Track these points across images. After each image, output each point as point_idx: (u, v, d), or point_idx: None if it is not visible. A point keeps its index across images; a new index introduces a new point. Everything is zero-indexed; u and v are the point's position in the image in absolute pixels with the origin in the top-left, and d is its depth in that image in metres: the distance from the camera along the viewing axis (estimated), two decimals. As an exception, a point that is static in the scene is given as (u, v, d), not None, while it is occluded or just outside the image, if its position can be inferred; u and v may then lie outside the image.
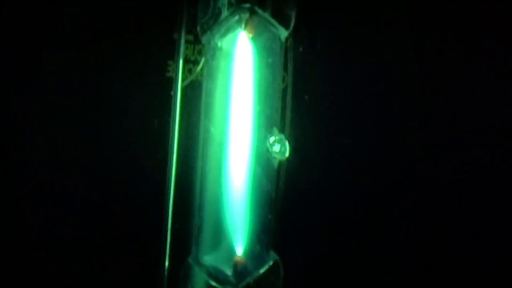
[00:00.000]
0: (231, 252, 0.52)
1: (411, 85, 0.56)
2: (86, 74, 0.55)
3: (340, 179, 0.55)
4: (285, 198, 0.53)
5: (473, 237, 0.55)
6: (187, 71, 0.54)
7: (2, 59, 0.54)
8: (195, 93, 0.54)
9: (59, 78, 0.55)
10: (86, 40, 0.55)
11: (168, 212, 0.53)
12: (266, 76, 0.52)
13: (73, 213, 0.55)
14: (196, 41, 0.54)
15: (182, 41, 0.54)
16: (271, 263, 0.53)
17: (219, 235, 0.52)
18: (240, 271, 0.52)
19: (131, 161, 0.54)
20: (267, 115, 0.52)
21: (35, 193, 0.55)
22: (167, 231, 0.53)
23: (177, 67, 0.53)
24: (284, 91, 0.54)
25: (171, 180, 0.53)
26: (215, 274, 0.52)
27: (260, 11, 0.52)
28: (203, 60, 0.54)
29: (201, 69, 0.54)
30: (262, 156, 0.52)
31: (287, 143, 0.53)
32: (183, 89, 0.54)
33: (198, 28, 0.53)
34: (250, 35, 0.52)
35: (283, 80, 0.54)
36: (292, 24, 0.53)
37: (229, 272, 0.52)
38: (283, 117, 0.53)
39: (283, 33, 0.53)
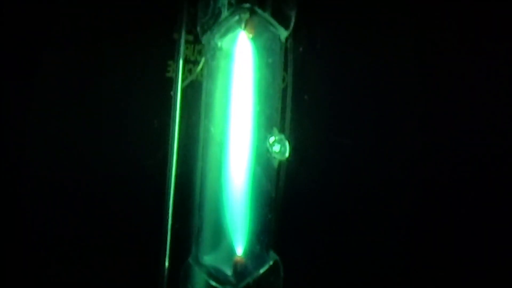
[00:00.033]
0: (231, 252, 0.52)
1: (411, 85, 0.56)
2: (86, 74, 0.55)
3: (340, 179, 0.55)
4: (285, 198, 0.53)
5: (473, 237, 0.55)
6: (187, 71, 0.54)
7: (2, 59, 0.54)
8: (195, 93, 0.54)
9: (59, 78, 0.55)
10: (86, 40, 0.55)
11: (168, 212, 0.53)
12: (266, 76, 0.52)
13: (73, 213, 0.55)
14: (196, 41, 0.54)
15: (182, 41, 0.54)
16: (271, 263, 0.53)
17: (219, 235, 0.52)
18: (240, 271, 0.52)
19: (131, 161, 0.54)
20: (267, 115, 0.52)
21: (35, 193, 0.55)
22: (167, 231, 0.53)
23: (177, 67, 0.53)
24: (284, 91, 0.54)
25: (171, 180, 0.53)
26: (215, 274, 0.52)
27: (260, 11, 0.52)
28: (203, 60, 0.54)
29: (201, 69, 0.54)
30: (262, 156, 0.52)
31: (287, 143, 0.53)
32: (183, 89, 0.54)
33: (198, 28, 0.53)
34: (250, 35, 0.52)
35: (283, 80, 0.54)
36: (292, 24, 0.53)
37: (229, 272, 0.52)
38: (283, 117, 0.53)
39: (283, 33, 0.53)
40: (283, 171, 0.53)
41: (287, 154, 0.53)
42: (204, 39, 0.53)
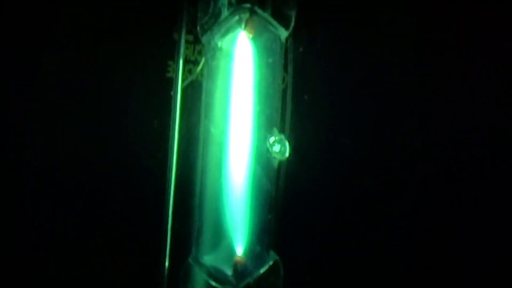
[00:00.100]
0: (231, 252, 0.52)
1: (410, 85, 0.56)
2: (86, 74, 0.55)
3: (340, 179, 0.55)
4: (285, 198, 0.53)
5: (473, 238, 0.55)
6: (187, 71, 0.54)
7: (2, 59, 0.54)
8: (195, 93, 0.54)
9: (59, 78, 0.55)
10: (86, 40, 0.55)
11: (168, 212, 0.53)
12: (266, 76, 0.52)
13: (74, 213, 0.55)
14: (196, 41, 0.54)
15: (182, 41, 0.54)
16: (271, 263, 0.53)
17: (219, 235, 0.52)
18: (240, 271, 0.52)
19: (131, 161, 0.54)
20: (267, 115, 0.52)
21: (35, 193, 0.55)
22: (167, 231, 0.53)
23: (177, 67, 0.53)
24: (284, 91, 0.54)
25: (171, 180, 0.53)
26: (215, 274, 0.52)
27: (260, 11, 0.52)
28: (203, 60, 0.54)
29: (201, 69, 0.54)
30: (262, 156, 0.52)
31: (287, 143, 0.53)
32: (183, 89, 0.54)
33: (198, 28, 0.53)
34: (250, 35, 0.52)
35: (283, 80, 0.54)
36: (292, 24, 0.53)
37: (229, 272, 0.52)
38: (283, 117, 0.53)
39: (283, 33, 0.53)
40: (283, 171, 0.53)
41: (287, 154, 0.53)
42: (204, 39, 0.53)
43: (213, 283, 0.52)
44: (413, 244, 0.55)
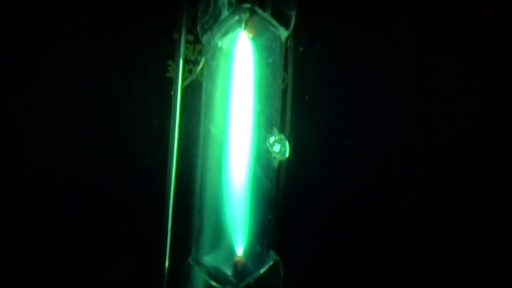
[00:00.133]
0: (231, 252, 0.52)
1: (410, 85, 0.56)
2: (86, 74, 0.55)
3: (340, 179, 0.55)
4: (285, 198, 0.53)
5: (473, 238, 0.55)
6: (187, 71, 0.54)
7: (2, 59, 0.54)
8: (195, 93, 0.54)
9: (59, 78, 0.55)
10: (86, 40, 0.55)
11: (168, 212, 0.53)
12: (266, 76, 0.52)
13: (73, 213, 0.55)
14: (196, 41, 0.54)
15: (182, 41, 0.53)
16: (271, 263, 0.53)
17: (219, 235, 0.52)
18: (240, 271, 0.52)
19: (131, 161, 0.54)
20: (267, 115, 0.52)
21: (35, 193, 0.55)
22: (167, 231, 0.53)
23: (177, 67, 0.53)
24: (284, 91, 0.54)
25: (171, 180, 0.53)
26: (215, 274, 0.52)
27: (260, 11, 0.52)
28: (203, 60, 0.54)
29: (201, 69, 0.54)
30: (262, 156, 0.52)
31: (287, 143, 0.53)
32: (183, 89, 0.54)
33: (198, 28, 0.53)
34: (250, 35, 0.52)
35: (283, 80, 0.54)
36: (292, 24, 0.53)
37: (229, 272, 0.52)
38: (283, 117, 0.53)
39: (283, 33, 0.53)
40: (283, 171, 0.53)
41: (287, 154, 0.53)
42: (204, 39, 0.53)
43: (213, 283, 0.52)
44: (413, 244, 0.55)
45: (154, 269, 0.53)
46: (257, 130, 0.52)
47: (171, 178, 0.53)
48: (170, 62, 0.54)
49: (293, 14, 0.53)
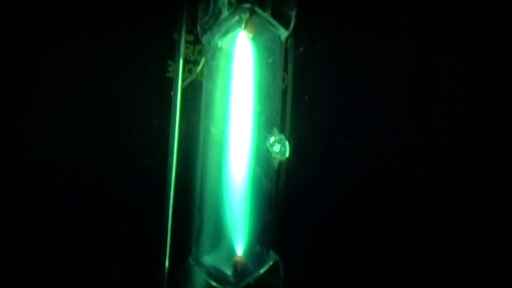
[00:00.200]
0: (231, 252, 0.52)
1: (411, 85, 0.56)
2: (86, 74, 0.55)
3: (340, 179, 0.55)
4: (285, 198, 0.53)
5: (473, 238, 0.55)
6: (187, 71, 0.54)
7: (2, 59, 0.54)
8: (195, 93, 0.54)
9: (59, 78, 0.55)
10: (86, 40, 0.55)
11: (168, 212, 0.53)
12: (266, 76, 0.52)
13: (73, 213, 0.55)
14: (196, 41, 0.54)
15: (182, 41, 0.54)
16: (271, 263, 0.53)
17: (219, 235, 0.52)
18: (240, 271, 0.52)
19: (131, 161, 0.54)
20: (267, 115, 0.52)
21: (35, 193, 0.55)
22: (167, 231, 0.53)
23: (177, 67, 0.53)
24: (284, 91, 0.54)
25: (171, 180, 0.53)
26: (215, 274, 0.52)
27: (260, 11, 0.52)
28: (203, 60, 0.54)
29: (201, 69, 0.54)
30: (262, 156, 0.52)
31: (287, 143, 0.53)
32: (183, 89, 0.54)
33: (198, 28, 0.53)
34: (250, 35, 0.52)
35: (283, 80, 0.54)
36: (292, 24, 0.53)
37: (229, 272, 0.52)
38: (283, 117, 0.53)
39: (283, 33, 0.53)
40: (283, 171, 0.53)
41: (287, 154, 0.53)
42: (204, 39, 0.53)
43: (213, 283, 0.52)
44: (413, 244, 0.55)
45: (154, 269, 0.53)
46: (257, 130, 0.52)
47: (171, 178, 0.53)
48: (170, 62, 0.54)
49: (293, 14, 0.53)
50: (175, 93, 0.53)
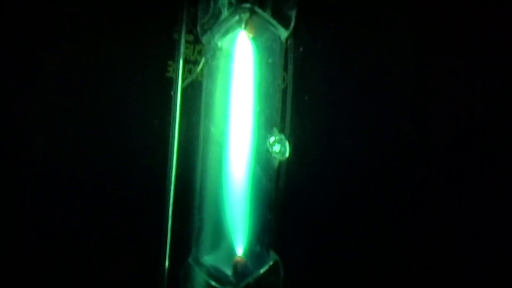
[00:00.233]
0: (231, 252, 0.52)
1: (411, 85, 0.56)
2: (86, 74, 0.55)
3: (340, 179, 0.55)
4: (285, 198, 0.53)
5: (474, 239, 0.55)
6: (187, 71, 0.54)
7: (2, 59, 0.54)
8: (195, 93, 0.54)
9: (59, 78, 0.55)
10: (86, 40, 0.55)
11: (168, 212, 0.53)
12: (266, 76, 0.52)
13: (73, 213, 0.55)
14: (196, 41, 0.54)
15: (182, 41, 0.54)
16: (271, 263, 0.53)
17: (219, 235, 0.52)
18: (240, 271, 0.52)
19: (131, 161, 0.54)
20: (267, 115, 0.52)
21: (35, 193, 0.55)
22: (167, 231, 0.53)
23: (177, 67, 0.53)
24: (284, 91, 0.54)
25: (171, 180, 0.53)
26: (215, 274, 0.52)
27: (260, 11, 0.52)
28: (203, 60, 0.54)
29: (201, 69, 0.54)
30: (262, 156, 0.52)
31: (287, 143, 0.53)
32: (183, 89, 0.54)
33: (198, 28, 0.53)
34: (250, 35, 0.52)
35: (283, 80, 0.54)
36: (292, 24, 0.53)
37: (229, 272, 0.52)
38: (283, 117, 0.53)
39: (283, 33, 0.53)
40: (283, 171, 0.53)
41: (287, 154, 0.53)
42: (204, 39, 0.53)
43: (213, 283, 0.52)
44: (413, 244, 0.55)
45: (154, 269, 0.53)
46: (257, 130, 0.52)
47: (171, 178, 0.53)
48: (170, 62, 0.54)
49: (293, 14, 0.53)
50: (175, 93, 0.53)
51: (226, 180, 0.52)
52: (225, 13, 0.52)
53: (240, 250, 0.52)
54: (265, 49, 0.52)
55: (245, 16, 0.52)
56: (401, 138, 0.55)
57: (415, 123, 0.55)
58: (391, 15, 0.55)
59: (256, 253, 0.52)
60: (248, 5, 0.51)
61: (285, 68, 0.54)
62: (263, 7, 0.52)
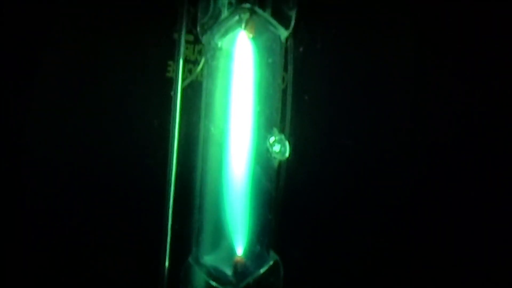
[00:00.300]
0: (231, 252, 0.52)
1: (411, 85, 0.56)
2: (86, 74, 0.55)
3: (340, 179, 0.55)
4: (285, 198, 0.53)
5: (473, 237, 0.55)
6: (187, 71, 0.54)
7: (2, 59, 0.54)
8: (195, 93, 0.54)
9: (59, 78, 0.55)
10: (86, 40, 0.55)
11: (168, 212, 0.53)
12: (266, 76, 0.52)
13: (73, 213, 0.55)
14: (196, 41, 0.54)
15: (182, 41, 0.54)
16: (271, 263, 0.53)
17: (219, 235, 0.52)
18: (240, 271, 0.52)
19: (131, 161, 0.54)
20: (267, 115, 0.52)
21: (35, 193, 0.55)
22: (167, 231, 0.53)
23: (177, 67, 0.53)
24: (284, 91, 0.54)
25: (171, 180, 0.53)
26: (215, 274, 0.52)
27: (260, 11, 0.52)
28: (203, 60, 0.54)
29: (201, 69, 0.54)
30: (262, 156, 0.52)
31: (287, 143, 0.53)
32: (183, 89, 0.54)
33: (198, 28, 0.53)
34: (250, 35, 0.52)
35: (283, 80, 0.54)
36: (292, 24, 0.53)
37: (229, 272, 0.52)
38: (283, 117, 0.53)
39: (283, 33, 0.53)
40: (283, 171, 0.53)
41: (287, 154, 0.53)
42: (204, 39, 0.53)
43: (213, 283, 0.52)
44: (413, 244, 0.55)
45: (154, 269, 0.53)
46: (257, 130, 0.52)
47: (171, 178, 0.53)
48: (170, 62, 0.54)
49: (293, 14, 0.53)
50: (175, 93, 0.53)
51: (226, 180, 0.52)
52: (225, 13, 0.52)
53: (240, 250, 0.52)
54: (265, 49, 0.52)
55: (245, 16, 0.52)
56: (401, 138, 0.55)
57: (415, 123, 0.55)
58: (391, 15, 0.55)
59: (256, 253, 0.52)
60: (248, 5, 0.51)
61: (285, 68, 0.54)
62: (263, 7, 0.52)
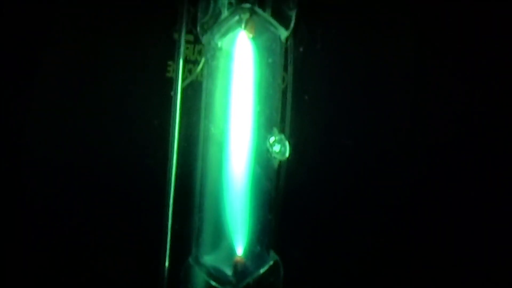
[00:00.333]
0: (231, 252, 0.52)
1: (411, 85, 0.56)
2: (86, 74, 0.55)
3: (340, 179, 0.55)
4: (285, 198, 0.53)
5: (473, 237, 0.55)
6: (187, 71, 0.54)
7: (2, 59, 0.54)
8: (195, 93, 0.54)
9: (59, 78, 0.55)
10: (86, 40, 0.55)
11: (168, 212, 0.53)
12: (266, 76, 0.52)
13: (73, 213, 0.55)
14: (196, 41, 0.54)
15: (182, 41, 0.54)
16: (271, 263, 0.53)
17: (219, 235, 0.52)
18: (240, 271, 0.52)
19: (131, 161, 0.54)
20: (267, 115, 0.52)
21: (35, 193, 0.55)
22: (167, 231, 0.53)
23: (177, 67, 0.53)
24: (284, 91, 0.54)
25: (171, 180, 0.53)
26: (215, 274, 0.52)
27: (260, 11, 0.52)
28: (203, 60, 0.54)
29: (201, 69, 0.54)
30: (262, 156, 0.52)
31: (287, 143, 0.53)
32: (183, 89, 0.54)
33: (198, 28, 0.53)
34: (250, 35, 0.52)
35: (283, 80, 0.54)
36: (292, 24, 0.53)
37: (229, 272, 0.52)
38: (283, 117, 0.53)
39: (283, 33, 0.53)
40: (283, 171, 0.53)
41: (287, 154, 0.53)
42: (204, 39, 0.53)
43: (213, 283, 0.52)
44: (413, 244, 0.55)
45: (154, 269, 0.53)
46: (257, 130, 0.52)
47: (171, 178, 0.53)
48: (170, 62, 0.54)
49: (293, 14, 0.53)
50: (175, 93, 0.53)
51: (226, 180, 0.52)
52: (225, 13, 0.52)
53: (240, 250, 0.52)
54: (265, 49, 0.52)
55: (245, 16, 0.52)
56: (401, 138, 0.55)
57: (415, 123, 0.55)
58: (391, 15, 0.55)
59: (256, 253, 0.52)
60: (248, 5, 0.52)
61: (285, 68, 0.54)
62: (263, 7, 0.52)
